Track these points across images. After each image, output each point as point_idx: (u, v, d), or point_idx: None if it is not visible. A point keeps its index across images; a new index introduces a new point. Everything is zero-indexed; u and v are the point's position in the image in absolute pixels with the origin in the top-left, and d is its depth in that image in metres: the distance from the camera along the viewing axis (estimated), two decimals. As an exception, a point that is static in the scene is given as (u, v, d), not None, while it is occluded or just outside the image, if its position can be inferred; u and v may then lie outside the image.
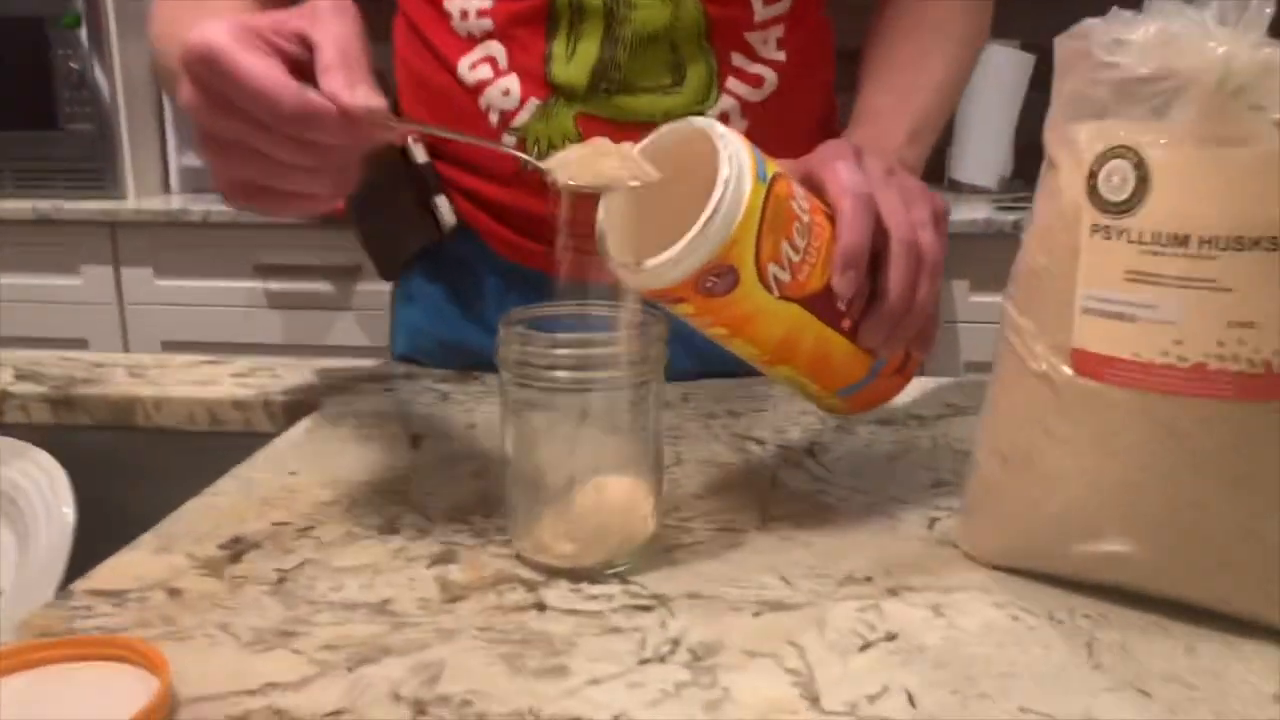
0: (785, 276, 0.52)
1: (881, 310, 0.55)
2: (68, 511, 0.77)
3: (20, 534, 0.78)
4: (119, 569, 0.53)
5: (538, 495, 0.52)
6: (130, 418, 0.81)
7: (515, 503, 0.53)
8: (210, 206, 1.99)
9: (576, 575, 0.51)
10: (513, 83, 0.74)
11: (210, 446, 0.80)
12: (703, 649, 0.45)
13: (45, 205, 1.99)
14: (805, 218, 0.53)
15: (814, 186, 0.55)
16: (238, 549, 0.55)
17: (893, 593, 0.50)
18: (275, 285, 2.03)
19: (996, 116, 2.00)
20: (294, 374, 0.85)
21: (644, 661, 0.44)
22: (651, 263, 0.50)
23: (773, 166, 0.52)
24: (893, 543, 0.55)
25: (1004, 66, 1.97)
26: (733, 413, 0.76)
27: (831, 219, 0.54)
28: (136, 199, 2.08)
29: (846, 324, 0.55)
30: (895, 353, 0.58)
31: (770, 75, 0.76)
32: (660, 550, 0.54)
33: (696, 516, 0.58)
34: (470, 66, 0.75)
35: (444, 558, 0.54)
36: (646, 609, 0.48)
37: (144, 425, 0.81)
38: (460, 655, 0.45)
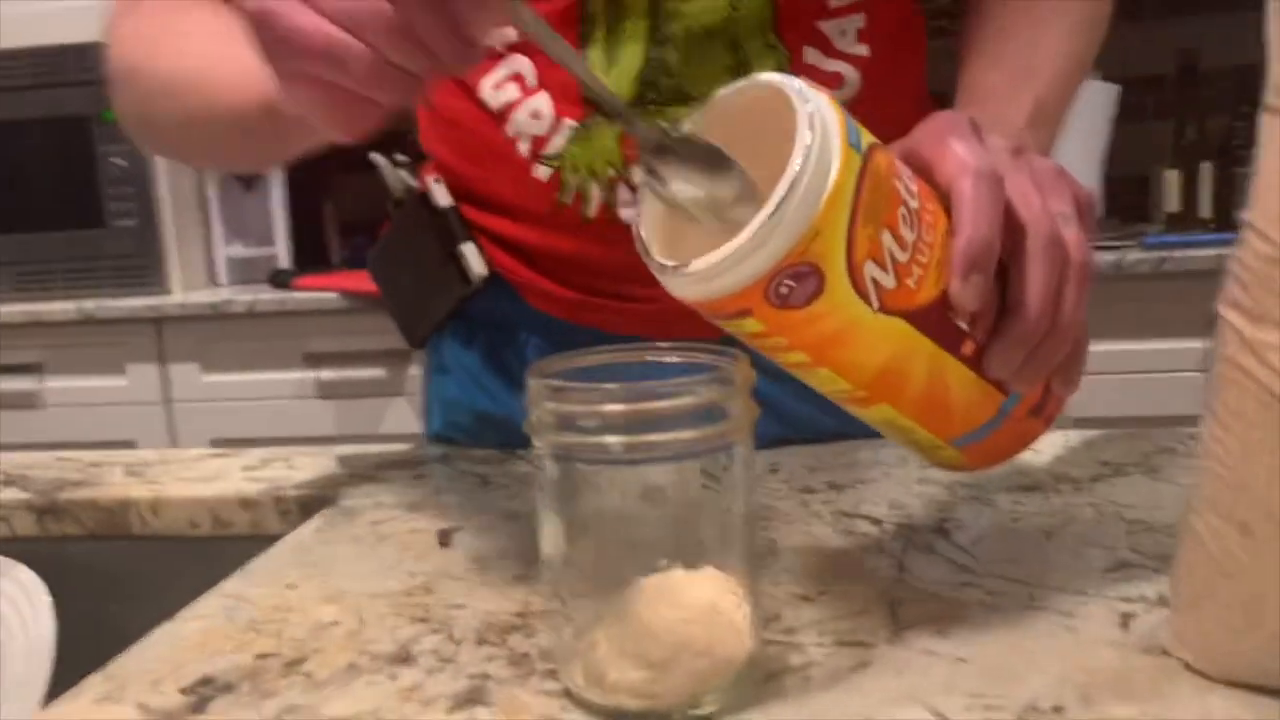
0: (888, 281, 0.38)
1: (1016, 328, 0.41)
2: (46, 636, 0.65)
3: (-9, 665, 0.66)
4: (46, 728, 0.40)
5: (590, 608, 0.38)
6: (124, 524, 0.70)
7: (560, 619, 0.39)
8: (256, 295, 1.91)
9: (650, 719, 0.37)
10: (543, 102, 0.62)
11: (215, 553, 0.68)
12: (839, 837, 0.31)
13: (90, 305, 1.94)
14: (914, 202, 0.39)
15: (920, 169, 0.42)
16: (205, 693, 0.42)
17: (1099, 730, 0.35)
18: (326, 374, 1.94)
19: (1081, 152, 1.85)
20: (312, 463, 0.73)
21: None
22: (702, 263, 0.37)
23: (868, 135, 0.39)
24: (1078, 652, 0.40)
25: (1087, 99, 1.83)
26: (834, 485, 0.61)
27: (947, 209, 0.41)
28: (182, 293, 2.02)
29: (969, 348, 0.42)
30: (1032, 386, 0.44)
31: (851, 73, 0.63)
32: (762, 678, 0.40)
33: (804, 627, 0.44)
34: (494, 86, 0.63)
35: (470, 697, 0.40)
36: (749, 769, 0.34)
37: (139, 532, 0.70)
38: None
